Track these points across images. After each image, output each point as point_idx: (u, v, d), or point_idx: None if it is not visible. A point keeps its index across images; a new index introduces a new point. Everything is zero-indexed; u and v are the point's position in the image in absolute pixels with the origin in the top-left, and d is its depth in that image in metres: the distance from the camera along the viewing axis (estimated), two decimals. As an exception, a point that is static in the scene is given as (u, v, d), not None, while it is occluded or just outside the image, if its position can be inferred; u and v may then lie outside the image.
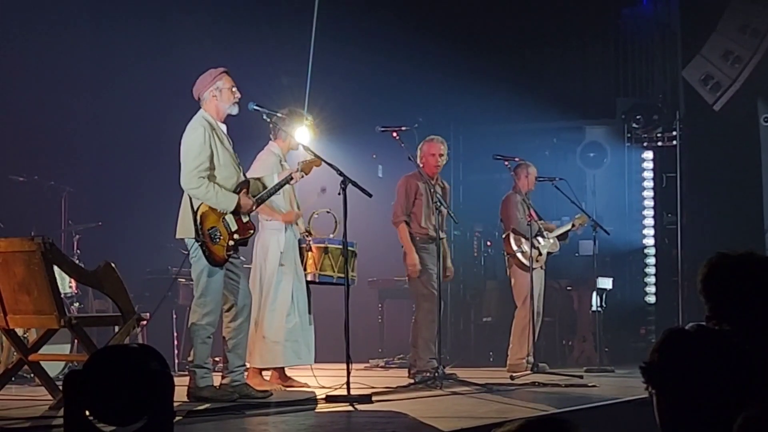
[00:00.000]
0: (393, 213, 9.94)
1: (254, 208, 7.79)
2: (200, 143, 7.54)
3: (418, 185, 9.86)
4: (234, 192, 7.63)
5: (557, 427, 2.33)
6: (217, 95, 7.73)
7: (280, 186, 8.14)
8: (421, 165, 9.82)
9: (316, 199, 9.30)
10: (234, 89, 7.78)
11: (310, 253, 8.90)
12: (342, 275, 8.80)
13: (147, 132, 12.12)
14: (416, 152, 9.91)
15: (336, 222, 8.27)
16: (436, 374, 8.84)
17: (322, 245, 8.94)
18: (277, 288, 8.73)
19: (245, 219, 7.68)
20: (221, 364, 7.86)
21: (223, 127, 7.79)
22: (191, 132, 7.63)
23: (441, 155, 10.01)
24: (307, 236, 8.99)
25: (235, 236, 7.57)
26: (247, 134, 9.00)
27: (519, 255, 10.94)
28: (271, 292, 8.68)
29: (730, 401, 2.44)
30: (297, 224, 9.07)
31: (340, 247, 8.80)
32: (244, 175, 7.91)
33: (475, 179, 14.28)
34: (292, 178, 8.20)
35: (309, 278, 8.93)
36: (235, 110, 7.81)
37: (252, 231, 7.80)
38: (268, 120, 8.56)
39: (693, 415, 2.49)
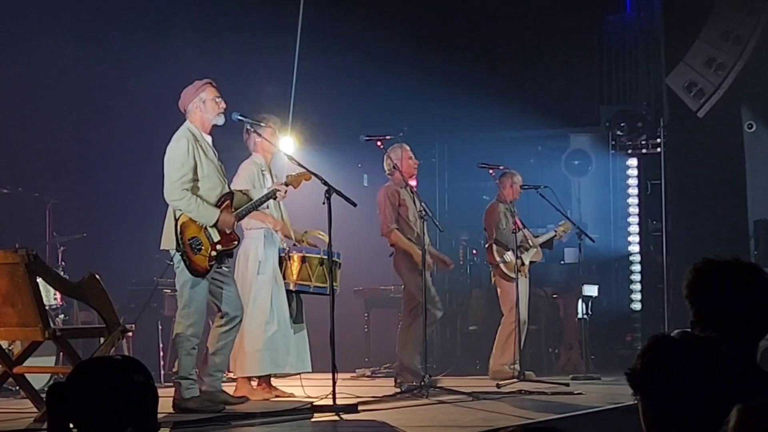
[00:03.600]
0: (381, 225, 9.88)
1: (234, 225, 7.72)
2: (183, 154, 7.53)
3: (400, 193, 9.86)
4: (218, 203, 7.62)
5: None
6: (201, 107, 7.72)
7: (263, 200, 8.10)
8: (391, 173, 9.85)
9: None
10: (218, 100, 7.77)
11: (289, 262, 8.87)
12: (319, 284, 8.81)
13: (131, 143, 12.10)
14: (384, 163, 9.91)
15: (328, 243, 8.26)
16: (422, 383, 8.83)
17: (301, 254, 8.92)
18: (256, 297, 8.70)
19: (228, 230, 7.65)
20: (204, 365, 7.82)
21: (208, 139, 7.78)
22: (174, 143, 7.62)
23: (413, 158, 10.07)
24: (287, 246, 8.95)
25: (218, 247, 7.55)
26: (233, 145, 8.98)
27: (501, 265, 10.95)
28: (249, 301, 8.65)
29: (715, 407, 2.44)
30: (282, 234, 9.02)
31: (319, 256, 8.82)
32: (229, 186, 7.89)
33: (460, 187, 14.29)
34: (276, 194, 8.15)
35: (290, 287, 8.89)
36: (220, 121, 7.80)
37: (236, 242, 7.79)
38: (252, 129, 8.56)
39: (678, 421, 2.49)
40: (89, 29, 12.66)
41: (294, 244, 9.01)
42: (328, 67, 13.09)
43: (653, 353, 2.57)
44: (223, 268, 7.75)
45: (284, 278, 8.86)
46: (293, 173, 8.21)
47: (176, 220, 7.50)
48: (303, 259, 8.89)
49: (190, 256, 7.47)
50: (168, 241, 7.54)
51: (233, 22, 13.18)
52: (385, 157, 9.86)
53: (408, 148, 10.09)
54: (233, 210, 7.75)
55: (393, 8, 13.97)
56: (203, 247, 7.50)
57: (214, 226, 7.53)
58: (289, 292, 8.89)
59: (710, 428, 2.40)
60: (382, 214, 9.88)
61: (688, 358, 2.53)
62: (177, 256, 7.49)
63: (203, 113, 7.72)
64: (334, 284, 8.18)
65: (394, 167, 9.74)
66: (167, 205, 7.60)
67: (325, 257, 8.55)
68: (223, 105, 7.78)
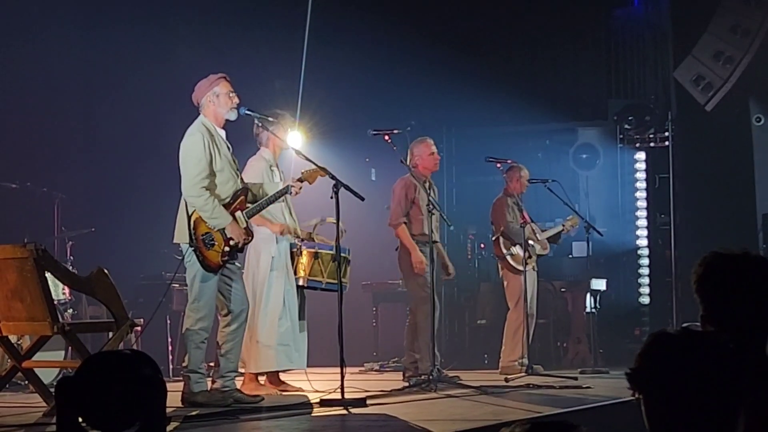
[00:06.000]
0: (391, 215, 9.88)
1: (242, 238, 7.69)
2: (200, 149, 7.51)
3: (416, 187, 9.83)
4: (233, 198, 7.62)
5: (563, 430, 2.32)
6: (215, 101, 7.72)
7: (277, 197, 8.07)
8: (414, 166, 9.83)
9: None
10: (231, 94, 7.76)
11: (300, 258, 8.88)
12: (331, 281, 8.80)
13: (140, 137, 12.11)
14: (407, 155, 9.89)
15: (343, 231, 8.30)
16: (431, 377, 8.84)
17: (313, 250, 8.92)
18: (269, 293, 8.71)
19: (242, 225, 7.65)
20: (216, 368, 7.83)
21: (222, 133, 7.77)
22: (189, 138, 7.61)
23: (435, 153, 10.04)
24: (299, 241, 8.95)
25: (231, 242, 7.55)
26: (244, 139, 8.98)
27: (508, 258, 10.93)
28: (263, 297, 8.66)
29: (719, 404, 2.43)
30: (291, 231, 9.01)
31: (331, 252, 8.80)
32: (242, 181, 7.88)
33: (468, 181, 14.30)
34: (291, 189, 8.12)
35: (300, 283, 8.90)
36: (233, 116, 7.78)
37: (250, 238, 7.78)
38: (260, 125, 8.56)
39: (681, 419, 2.47)
40: (96, 22, 12.65)
41: (303, 240, 9.00)
42: (336, 61, 13.07)
43: (652, 351, 2.55)
44: (235, 264, 7.76)
45: (294, 273, 8.87)
46: (308, 169, 8.16)
47: (190, 216, 7.49)
48: (315, 255, 8.89)
49: (202, 251, 7.47)
50: (181, 234, 7.54)
51: (242, 16, 13.17)
52: (408, 149, 9.89)
53: (431, 142, 10.06)
54: (248, 205, 7.77)
55: (401, 3, 13.97)
56: (216, 243, 7.50)
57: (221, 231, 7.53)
58: (296, 287, 8.90)
59: (717, 425, 2.40)
60: (395, 203, 9.88)
61: (687, 354, 2.50)
62: (189, 251, 7.49)
63: (216, 107, 7.72)
64: (344, 280, 8.18)
65: (401, 161, 9.71)
66: (177, 199, 7.60)
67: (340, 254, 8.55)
68: (236, 100, 7.77)
